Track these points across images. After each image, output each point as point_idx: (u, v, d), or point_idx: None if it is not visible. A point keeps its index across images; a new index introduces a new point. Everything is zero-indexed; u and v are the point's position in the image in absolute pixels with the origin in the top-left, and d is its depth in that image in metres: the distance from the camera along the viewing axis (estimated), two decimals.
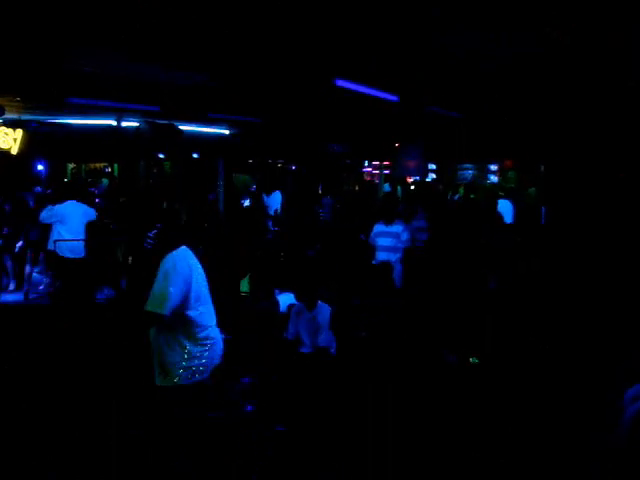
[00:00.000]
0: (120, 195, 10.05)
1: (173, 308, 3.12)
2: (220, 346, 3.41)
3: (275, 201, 10.36)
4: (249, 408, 4.28)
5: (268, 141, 11.61)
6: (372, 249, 6.50)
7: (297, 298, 5.06)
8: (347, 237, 8.12)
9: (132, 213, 8.51)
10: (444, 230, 7.01)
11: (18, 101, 8.27)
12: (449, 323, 5.13)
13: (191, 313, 3.19)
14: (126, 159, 10.48)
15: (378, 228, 6.59)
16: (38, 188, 11.39)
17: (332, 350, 4.89)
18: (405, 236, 6.40)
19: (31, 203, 9.18)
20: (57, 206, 7.13)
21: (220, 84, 7.16)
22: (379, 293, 5.59)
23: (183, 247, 3.29)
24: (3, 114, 8.29)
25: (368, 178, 19.59)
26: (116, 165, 15.50)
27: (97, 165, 16.35)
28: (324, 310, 4.94)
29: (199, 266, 3.34)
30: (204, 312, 3.26)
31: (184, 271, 3.18)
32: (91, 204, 8.29)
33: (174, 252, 3.21)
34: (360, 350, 4.93)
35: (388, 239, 6.40)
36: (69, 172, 15.91)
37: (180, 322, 3.18)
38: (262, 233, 8.80)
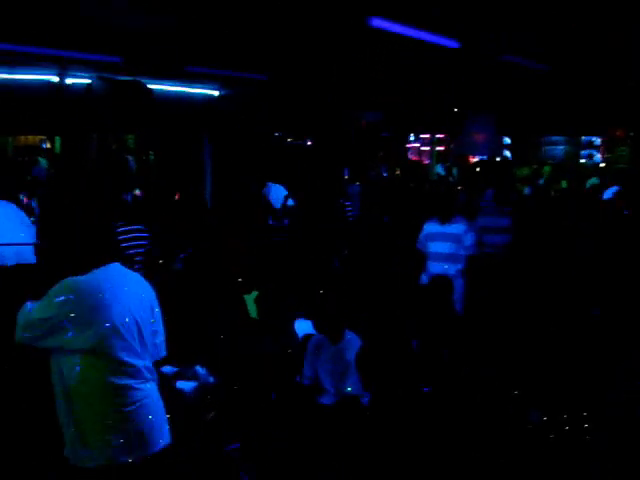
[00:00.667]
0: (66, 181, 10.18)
1: None
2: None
3: (277, 192, 10.42)
4: None
5: (275, 106, 11.68)
6: (422, 258, 6.56)
7: (316, 327, 5.14)
8: (382, 240, 8.19)
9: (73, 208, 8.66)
10: (531, 232, 7.04)
11: None
12: (538, 368, 5.15)
13: None
14: (72, 131, 10.60)
15: (430, 228, 6.63)
16: None
17: (364, 400, 4.93)
18: (470, 239, 6.42)
19: None
20: None
21: (205, 21, 7.24)
22: (430, 322, 5.63)
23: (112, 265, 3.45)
24: None
25: (414, 157, 19.66)
26: (58, 139, 15.75)
27: (30, 139, 16.57)
28: (354, 343, 4.99)
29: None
30: None
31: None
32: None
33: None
34: (402, 403, 4.99)
35: (445, 244, 6.44)
36: None
37: None
38: (268, 235, 8.90)
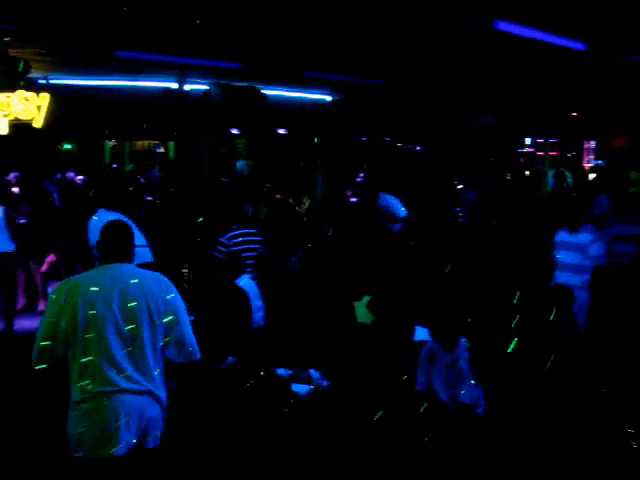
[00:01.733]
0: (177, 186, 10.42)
1: None
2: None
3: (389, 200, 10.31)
4: None
5: (389, 111, 11.63)
6: (552, 267, 6.39)
7: (432, 335, 5.10)
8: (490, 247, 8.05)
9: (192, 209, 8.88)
10: None
11: (44, 55, 8.74)
12: None
13: None
14: (189, 135, 10.91)
15: (559, 237, 6.47)
16: (71, 174, 12.13)
17: (479, 410, 4.88)
18: (596, 250, 6.19)
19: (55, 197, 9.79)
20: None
21: (322, 29, 7.31)
22: (547, 335, 5.47)
23: None
24: (28, 73, 8.61)
25: (523, 162, 19.20)
26: (171, 144, 16.27)
27: (146, 144, 17.08)
28: (467, 352, 4.95)
29: None
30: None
31: None
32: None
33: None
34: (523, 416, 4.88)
35: (570, 254, 6.26)
36: (107, 152, 16.87)
37: None
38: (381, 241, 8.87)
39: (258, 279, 6.38)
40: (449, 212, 9.77)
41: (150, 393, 3.51)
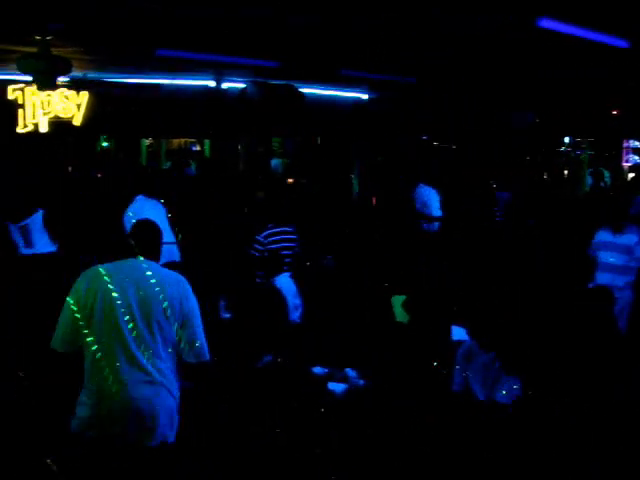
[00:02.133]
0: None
1: None
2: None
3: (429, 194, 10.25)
4: None
5: (424, 109, 11.59)
6: (592, 266, 6.31)
7: (471, 334, 5.07)
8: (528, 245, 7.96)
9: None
10: None
11: (84, 53, 8.82)
12: None
13: None
14: (225, 134, 10.95)
15: (601, 237, 6.39)
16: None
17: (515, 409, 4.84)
18: None
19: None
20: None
21: (359, 25, 7.24)
22: (587, 337, 5.39)
23: None
24: (69, 71, 8.68)
25: (561, 161, 18.95)
26: (207, 142, 16.34)
27: (182, 142, 17.19)
28: None
29: None
30: None
31: None
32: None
33: None
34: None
35: (614, 254, 6.18)
36: (144, 151, 17.02)
37: None
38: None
39: (295, 277, 6.41)
40: (486, 211, 9.73)
41: (161, 385, 3.63)
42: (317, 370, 5.27)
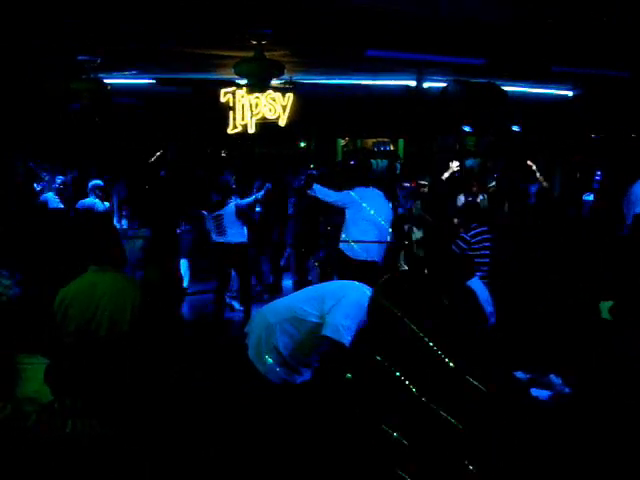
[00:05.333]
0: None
1: None
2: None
3: None
4: None
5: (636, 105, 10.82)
6: None
7: None
8: None
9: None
10: None
11: (292, 56, 9.10)
12: None
13: None
14: (423, 133, 10.96)
15: None
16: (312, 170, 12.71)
17: None
18: None
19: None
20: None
21: (570, 16, 6.89)
22: None
23: None
24: (282, 74, 9.08)
25: None
26: (401, 142, 16.43)
27: (375, 141, 17.44)
28: None
29: None
30: None
31: None
32: None
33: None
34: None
35: None
36: (340, 150, 17.41)
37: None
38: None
39: (489, 283, 6.31)
40: None
41: None
42: (519, 375, 5.15)
